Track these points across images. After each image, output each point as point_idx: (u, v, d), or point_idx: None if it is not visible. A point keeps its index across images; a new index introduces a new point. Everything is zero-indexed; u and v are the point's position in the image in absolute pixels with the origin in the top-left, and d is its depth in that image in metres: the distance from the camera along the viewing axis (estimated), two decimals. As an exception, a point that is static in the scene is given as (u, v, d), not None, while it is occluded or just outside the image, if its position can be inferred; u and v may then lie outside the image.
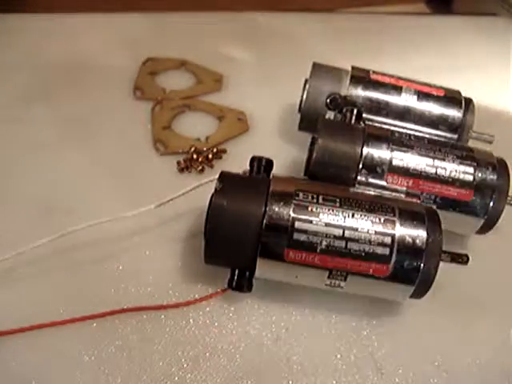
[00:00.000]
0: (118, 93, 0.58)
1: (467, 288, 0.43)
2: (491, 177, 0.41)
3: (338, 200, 0.36)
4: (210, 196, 0.36)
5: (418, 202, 0.40)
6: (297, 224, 0.35)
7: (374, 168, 0.40)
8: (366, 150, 0.40)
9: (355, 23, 0.77)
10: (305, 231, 0.35)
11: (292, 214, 0.35)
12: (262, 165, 0.39)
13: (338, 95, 0.46)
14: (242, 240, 0.36)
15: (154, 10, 0.71)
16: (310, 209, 0.35)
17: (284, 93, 0.57)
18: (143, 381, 0.36)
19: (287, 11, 0.76)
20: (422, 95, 0.47)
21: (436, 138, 0.45)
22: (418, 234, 0.35)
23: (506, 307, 0.43)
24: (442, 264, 0.36)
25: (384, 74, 0.48)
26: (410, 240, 0.35)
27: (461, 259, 0.38)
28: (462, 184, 0.40)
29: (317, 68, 0.49)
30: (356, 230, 0.35)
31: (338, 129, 0.42)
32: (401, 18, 0.80)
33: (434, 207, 0.39)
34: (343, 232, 0.35)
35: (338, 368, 0.38)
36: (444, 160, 0.40)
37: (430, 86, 0.48)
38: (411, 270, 0.35)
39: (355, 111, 0.43)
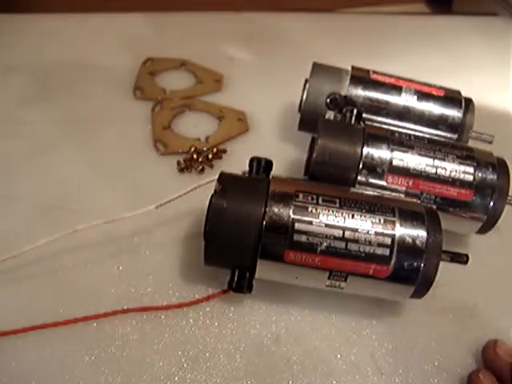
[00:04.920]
0: (118, 93, 0.58)
1: (467, 288, 0.43)
2: (491, 177, 0.41)
3: (337, 201, 0.36)
4: (210, 197, 0.36)
5: (418, 201, 0.40)
6: (297, 225, 0.35)
7: (374, 168, 0.40)
8: (366, 150, 0.40)
9: (355, 23, 0.77)
10: (305, 232, 0.35)
11: (292, 215, 0.35)
12: (261, 165, 0.39)
13: (338, 95, 0.46)
14: (241, 241, 0.36)
15: (154, 10, 0.71)
16: (309, 210, 0.35)
17: (284, 93, 0.57)
18: (143, 381, 0.36)
19: (287, 11, 0.76)
20: (422, 95, 0.47)
21: (436, 137, 0.45)
22: (418, 234, 0.35)
23: (506, 307, 0.43)
24: (442, 264, 0.36)
25: (384, 74, 0.48)
26: (410, 240, 0.35)
27: (461, 259, 0.38)
28: (462, 184, 0.40)
29: (317, 68, 0.49)
30: (356, 230, 0.35)
31: (338, 129, 0.42)
32: (401, 18, 0.80)
33: (434, 207, 0.39)
34: (343, 233, 0.35)
35: (338, 368, 0.38)
36: (444, 160, 0.40)
37: (429, 85, 0.48)
38: (411, 271, 0.35)
39: (355, 111, 0.43)
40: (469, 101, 0.48)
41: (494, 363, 0.37)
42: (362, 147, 0.40)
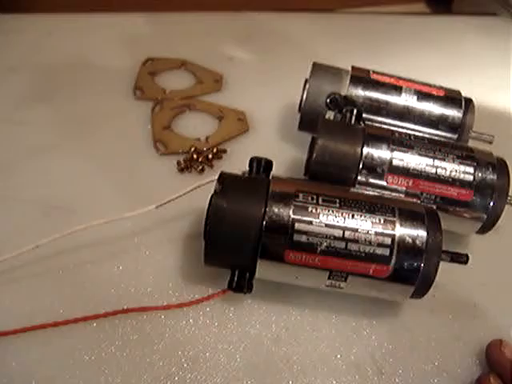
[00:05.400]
0: (118, 93, 0.58)
1: (467, 288, 0.43)
2: (491, 177, 0.41)
3: (337, 201, 0.36)
4: (210, 197, 0.36)
5: (418, 202, 0.40)
6: (297, 225, 0.35)
7: (374, 168, 0.40)
8: (366, 150, 0.40)
9: (355, 23, 0.77)
10: (305, 232, 0.35)
11: (292, 215, 0.35)
12: (261, 165, 0.39)
13: (338, 95, 0.46)
14: (241, 241, 0.36)
15: (154, 10, 0.71)
16: (309, 210, 0.35)
17: (284, 93, 0.57)
18: (143, 381, 0.36)
19: (287, 11, 0.76)
20: (422, 95, 0.47)
21: (436, 137, 0.45)
22: (418, 234, 0.35)
23: (506, 307, 0.43)
24: (442, 264, 0.36)
25: (384, 74, 0.48)
26: (410, 240, 0.35)
27: (461, 259, 0.38)
28: (462, 184, 0.40)
29: (317, 68, 0.49)
30: (356, 230, 0.35)
31: (338, 129, 0.42)
32: (401, 18, 0.80)
33: (434, 207, 0.39)
34: (343, 233, 0.35)
35: (338, 368, 0.38)
36: (444, 160, 0.40)
37: (430, 85, 0.48)
38: (411, 271, 0.35)
39: (355, 111, 0.43)
40: (469, 101, 0.48)
41: (500, 362, 0.37)
42: (362, 147, 0.40)
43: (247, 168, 0.39)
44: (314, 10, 0.78)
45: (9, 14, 0.67)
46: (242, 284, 0.37)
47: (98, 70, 0.61)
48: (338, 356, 0.38)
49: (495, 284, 0.44)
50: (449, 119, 0.47)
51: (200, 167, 0.50)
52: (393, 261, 0.35)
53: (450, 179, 0.40)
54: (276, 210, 0.35)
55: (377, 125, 0.46)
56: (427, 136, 0.44)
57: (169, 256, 0.43)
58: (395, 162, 0.40)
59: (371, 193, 0.39)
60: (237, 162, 0.42)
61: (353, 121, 0.42)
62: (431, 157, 0.40)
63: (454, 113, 0.47)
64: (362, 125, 0.43)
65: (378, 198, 0.38)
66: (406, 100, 0.47)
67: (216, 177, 0.38)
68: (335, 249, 0.35)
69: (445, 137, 0.46)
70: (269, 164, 0.39)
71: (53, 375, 0.36)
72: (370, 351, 0.39)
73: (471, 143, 0.46)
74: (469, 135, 0.47)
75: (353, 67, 0.49)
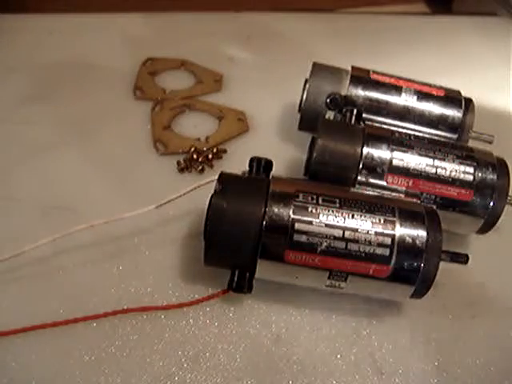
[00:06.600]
0: (118, 93, 0.58)
1: (467, 288, 0.43)
2: (491, 177, 0.41)
3: (337, 201, 0.36)
4: (210, 197, 0.36)
5: (418, 202, 0.40)
6: (297, 225, 0.35)
7: (374, 168, 0.40)
8: (366, 150, 0.40)
9: (355, 23, 0.77)
10: (305, 232, 0.35)
11: (292, 215, 0.35)
12: (261, 165, 0.39)
13: (338, 95, 0.46)
14: (241, 241, 0.36)
15: (154, 10, 0.71)
16: (309, 210, 0.35)
17: (284, 93, 0.57)
18: (143, 381, 0.36)
19: (287, 11, 0.76)
20: (422, 95, 0.47)
21: (436, 137, 0.45)
22: (418, 234, 0.35)
23: (506, 307, 0.43)
24: (442, 264, 0.36)
25: (384, 74, 0.48)
26: (410, 240, 0.35)
27: (461, 259, 0.38)
28: (462, 184, 0.40)
29: (317, 68, 0.49)
30: (356, 230, 0.35)
31: (338, 129, 0.42)
32: (401, 18, 0.80)
33: (434, 207, 0.39)
34: (343, 233, 0.35)
35: (338, 368, 0.38)
36: (444, 160, 0.40)
37: (429, 85, 0.48)
38: (411, 271, 0.35)
39: (355, 111, 0.43)
40: (469, 101, 0.48)
41: None
42: (362, 147, 0.40)
43: (247, 168, 0.39)
44: (314, 10, 0.78)
45: (9, 14, 0.67)
46: (242, 284, 0.37)
47: (98, 70, 0.61)
48: (338, 356, 0.38)
49: (495, 284, 0.44)
50: (449, 119, 0.47)
51: (200, 167, 0.50)
52: (393, 261, 0.35)
53: (450, 179, 0.40)
54: (276, 209, 0.35)
55: (377, 125, 0.46)
56: (427, 136, 0.44)
57: (169, 256, 0.43)
58: (395, 162, 0.40)
59: (371, 193, 0.39)
60: (237, 162, 0.42)
61: (353, 121, 0.43)
62: (431, 157, 0.40)
63: (453, 113, 0.47)
64: (362, 125, 0.43)
65: (378, 198, 0.38)
66: (406, 100, 0.47)
67: (216, 177, 0.38)
68: (335, 249, 0.35)
69: (445, 137, 0.46)
70: (269, 164, 0.39)
71: (53, 375, 0.36)
72: (369, 351, 0.39)
73: (471, 143, 0.46)
74: (469, 135, 0.47)
75: (353, 67, 0.49)
